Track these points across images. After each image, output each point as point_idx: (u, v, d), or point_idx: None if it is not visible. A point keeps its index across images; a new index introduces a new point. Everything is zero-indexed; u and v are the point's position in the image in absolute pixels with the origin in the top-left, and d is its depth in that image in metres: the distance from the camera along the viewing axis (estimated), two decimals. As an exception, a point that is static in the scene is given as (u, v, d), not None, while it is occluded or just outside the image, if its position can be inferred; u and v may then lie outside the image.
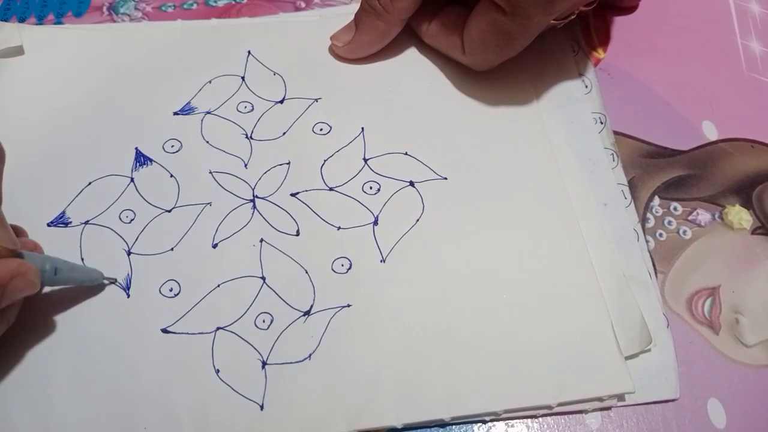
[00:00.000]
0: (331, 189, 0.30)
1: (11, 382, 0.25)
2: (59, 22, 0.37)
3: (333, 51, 0.34)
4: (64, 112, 0.32)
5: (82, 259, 0.28)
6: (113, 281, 0.28)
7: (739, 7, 0.38)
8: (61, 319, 0.27)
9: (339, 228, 0.29)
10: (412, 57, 0.35)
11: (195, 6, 0.37)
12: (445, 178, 0.31)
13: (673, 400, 0.27)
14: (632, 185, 0.32)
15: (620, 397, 0.26)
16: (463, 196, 0.30)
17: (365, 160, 0.31)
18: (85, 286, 0.27)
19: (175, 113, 0.32)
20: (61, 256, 0.28)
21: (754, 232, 0.31)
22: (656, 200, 0.32)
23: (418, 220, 0.30)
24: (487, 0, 0.29)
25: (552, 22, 0.30)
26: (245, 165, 0.31)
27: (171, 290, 0.28)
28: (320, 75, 0.34)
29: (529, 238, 0.29)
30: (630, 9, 0.38)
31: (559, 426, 0.26)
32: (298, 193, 0.30)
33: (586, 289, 0.28)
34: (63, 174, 0.30)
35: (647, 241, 0.31)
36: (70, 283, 0.27)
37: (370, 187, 0.30)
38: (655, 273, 0.30)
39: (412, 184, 0.31)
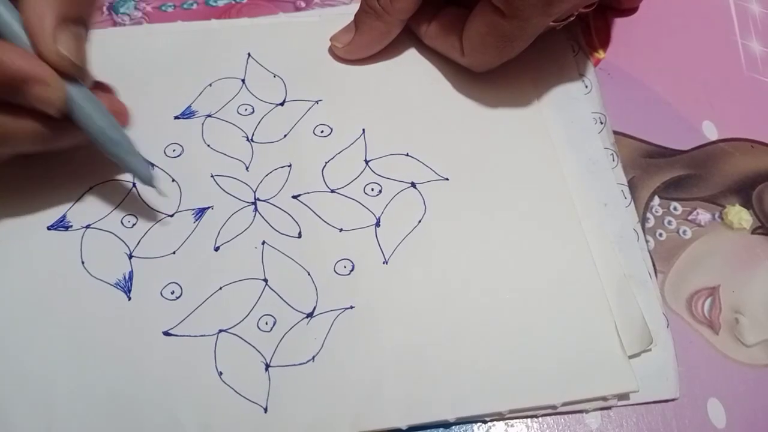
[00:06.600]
0: (332, 191, 0.30)
1: (11, 385, 0.25)
2: (58, 24, 0.36)
3: (333, 52, 0.34)
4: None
5: (83, 262, 0.28)
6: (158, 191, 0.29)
7: (739, 7, 0.38)
8: (62, 321, 0.27)
9: (341, 230, 0.29)
10: (412, 58, 0.35)
11: (195, 6, 0.37)
12: (447, 179, 0.31)
13: (672, 400, 0.27)
14: (632, 185, 0.32)
15: (621, 396, 0.27)
16: (464, 197, 0.30)
17: (366, 162, 0.31)
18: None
19: (176, 117, 0.32)
20: (61, 259, 0.28)
21: (754, 231, 0.31)
22: (656, 200, 0.32)
23: (420, 221, 0.30)
24: (485, 2, 0.29)
25: (551, 23, 0.30)
26: (246, 168, 0.31)
27: (173, 293, 0.28)
28: (320, 77, 0.34)
29: (532, 237, 0.29)
30: (630, 11, 0.38)
31: (558, 425, 0.27)
32: (299, 195, 0.30)
33: (589, 288, 0.28)
34: (64, 178, 0.30)
35: (647, 241, 0.31)
36: (116, 160, 0.27)
37: (372, 189, 0.30)
38: (655, 273, 0.30)
39: (413, 185, 0.31)
